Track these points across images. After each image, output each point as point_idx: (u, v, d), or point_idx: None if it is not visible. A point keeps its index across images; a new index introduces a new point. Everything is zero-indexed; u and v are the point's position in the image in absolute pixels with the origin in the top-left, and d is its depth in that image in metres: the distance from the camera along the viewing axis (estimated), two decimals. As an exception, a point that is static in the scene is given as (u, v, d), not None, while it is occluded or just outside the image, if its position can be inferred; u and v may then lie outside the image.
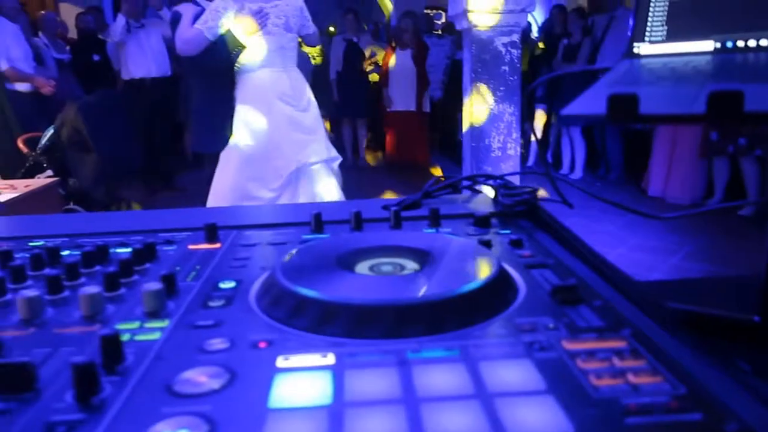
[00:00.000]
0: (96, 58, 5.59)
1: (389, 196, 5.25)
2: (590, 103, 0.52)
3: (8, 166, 4.39)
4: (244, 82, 3.05)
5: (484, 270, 0.47)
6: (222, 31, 2.88)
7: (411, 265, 0.52)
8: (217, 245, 0.65)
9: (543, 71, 6.11)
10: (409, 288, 0.45)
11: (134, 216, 0.80)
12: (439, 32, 9.57)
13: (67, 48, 5.58)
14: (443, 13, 11.89)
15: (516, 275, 0.52)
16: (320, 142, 3.05)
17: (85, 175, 4.27)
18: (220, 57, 3.00)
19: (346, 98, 6.51)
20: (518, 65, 3.66)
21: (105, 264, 0.60)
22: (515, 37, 3.61)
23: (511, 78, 3.66)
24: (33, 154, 4.25)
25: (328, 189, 3.09)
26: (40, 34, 5.26)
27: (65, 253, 0.63)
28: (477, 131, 3.72)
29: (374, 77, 6.63)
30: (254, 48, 2.97)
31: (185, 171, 6.19)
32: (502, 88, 3.66)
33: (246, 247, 0.64)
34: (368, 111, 6.55)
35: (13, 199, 3.51)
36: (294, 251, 0.54)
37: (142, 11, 5.41)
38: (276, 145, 2.97)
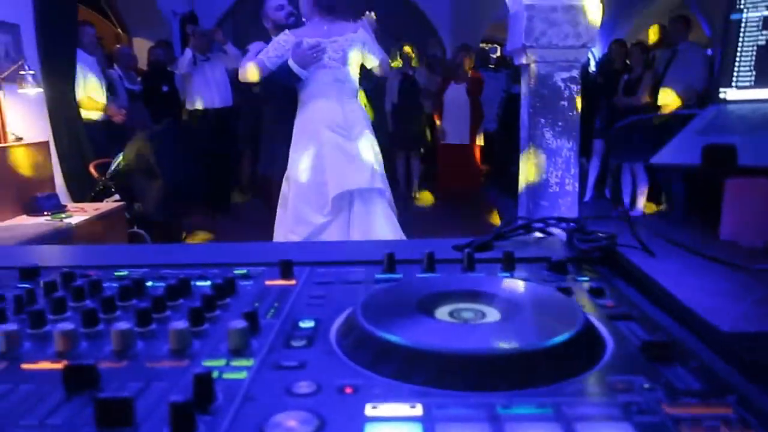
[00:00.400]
0: (165, 88, 5.87)
1: (443, 231, 5.23)
2: (682, 152, 0.50)
3: (80, 189, 4.63)
4: (300, 111, 3.16)
5: (571, 321, 0.46)
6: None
7: (492, 312, 0.51)
8: (293, 282, 0.66)
9: (601, 105, 6.02)
10: (495, 338, 0.45)
11: (210, 249, 0.83)
12: (494, 66, 9.61)
13: (138, 79, 5.89)
14: (498, 47, 11.98)
15: (601, 327, 0.50)
16: (365, 171, 3.05)
17: (149, 201, 4.44)
18: (286, 87, 3.12)
19: (400, 130, 6.58)
20: (577, 100, 3.61)
21: (188, 297, 0.62)
22: (575, 73, 3.58)
23: (570, 113, 3.61)
24: (102, 178, 4.46)
25: (380, 218, 3.10)
26: (114, 65, 5.59)
27: (149, 284, 0.66)
28: (534, 165, 3.67)
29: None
30: (311, 80, 3.07)
31: (242, 198, 6.38)
32: (560, 123, 3.61)
33: (321, 285, 0.65)
34: (422, 144, 6.58)
35: (83, 221, 3.70)
36: (372, 292, 0.55)
37: (207, 46, 5.67)
38: (322, 172, 3.04)
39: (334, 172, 3.02)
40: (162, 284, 0.66)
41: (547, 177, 3.69)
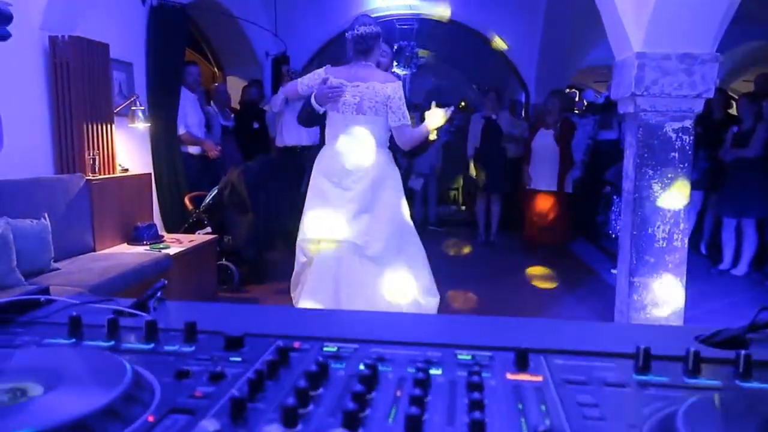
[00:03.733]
0: (255, 125, 6.06)
1: (525, 281, 5.03)
2: None
3: (173, 220, 4.78)
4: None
5: None
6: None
7: None
8: (539, 378, 0.57)
9: (699, 156, 5.71)
10: None
11: (405, 320, 0.75)
12: (577, 111, 9.41)
13: (232, 116, 6.11)
14: (577, 92, 11.79)
15: None
16: (335, 222, 2.90)
17: (240, 235, 4.52)
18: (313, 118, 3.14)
19: (481, 174, 6.49)
20: (690, 152, 3.41)
21: (429, 390, 0.53)
22: (688, 123, 3.39)
23: (681, 165, 3.41)
24: (197, 211, 4.59)
25: (350, 273, 2.93)
26: (211, 102, 5.82)
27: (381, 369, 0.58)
28: (639, 219, 3.47)
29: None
30: (328, 122, 3.03)
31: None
32: (670, 176, 3.41)
33: (576, 387, 0.55)
34: (504, 187, 6.45)
35: (179, 252, 3.79)
36: (687, 412, 0.45)
37: (299, 85, 5.82)
38: (306, 215, 3.02)
39: (312, 219, 2.97)
40: (388, 369, 0.58)
41: (653, 231, 3.48)
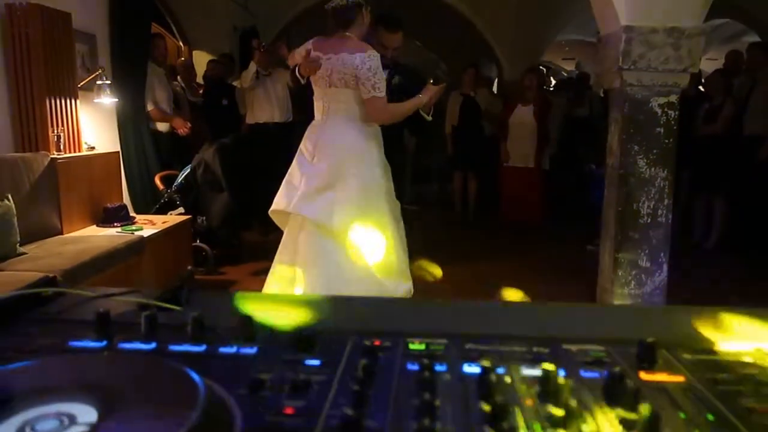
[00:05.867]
0: (225, 102, 5.82)
1: (505, 261, 5.00)
2: None
3: (143, 201, 4.56)
4: None
5: None
6: None
7: None
8: (680, 378, 0.49)
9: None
10: None
11: (477, 309, 0.66)
12: (550, 89, 9.43)
13: (200, 92, 5.85)
14: (545, 70, 11.83)
15: None
16: (290, 195, 2.89)
17: (214, 215, 4.35)
18: None
19: (459, 152, 6.42)
20: (675, 127, 3.41)
21: (555, 396, 0.44)
22: (674, 98, 3.38)
23: (666, 140, 3.41)
24: (168, 191, 4.39)
25: (305, 247, 2.91)
26: (178, 78, 5.56)
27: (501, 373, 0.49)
28: (624, 194, 3.46)
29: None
30: (314, 96, 3.00)
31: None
32: (655, 151, 3.41)
33: (729, 388, 0.47)
34: (481, 165, 6.40)
35: (154, 234, 3.61)
36: None
37: (270, 61, 5.60)
38: (282, 185, 3.01)
39: (283, 190, 2.97)
40: (501, 370, 0.49)
41: (637, 207, 3.48)
